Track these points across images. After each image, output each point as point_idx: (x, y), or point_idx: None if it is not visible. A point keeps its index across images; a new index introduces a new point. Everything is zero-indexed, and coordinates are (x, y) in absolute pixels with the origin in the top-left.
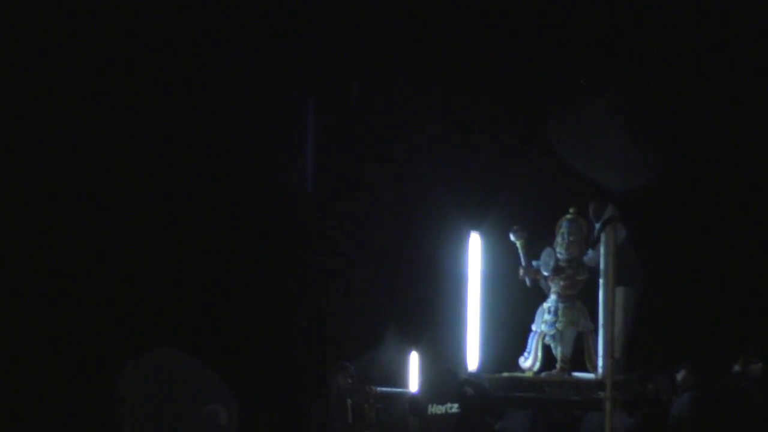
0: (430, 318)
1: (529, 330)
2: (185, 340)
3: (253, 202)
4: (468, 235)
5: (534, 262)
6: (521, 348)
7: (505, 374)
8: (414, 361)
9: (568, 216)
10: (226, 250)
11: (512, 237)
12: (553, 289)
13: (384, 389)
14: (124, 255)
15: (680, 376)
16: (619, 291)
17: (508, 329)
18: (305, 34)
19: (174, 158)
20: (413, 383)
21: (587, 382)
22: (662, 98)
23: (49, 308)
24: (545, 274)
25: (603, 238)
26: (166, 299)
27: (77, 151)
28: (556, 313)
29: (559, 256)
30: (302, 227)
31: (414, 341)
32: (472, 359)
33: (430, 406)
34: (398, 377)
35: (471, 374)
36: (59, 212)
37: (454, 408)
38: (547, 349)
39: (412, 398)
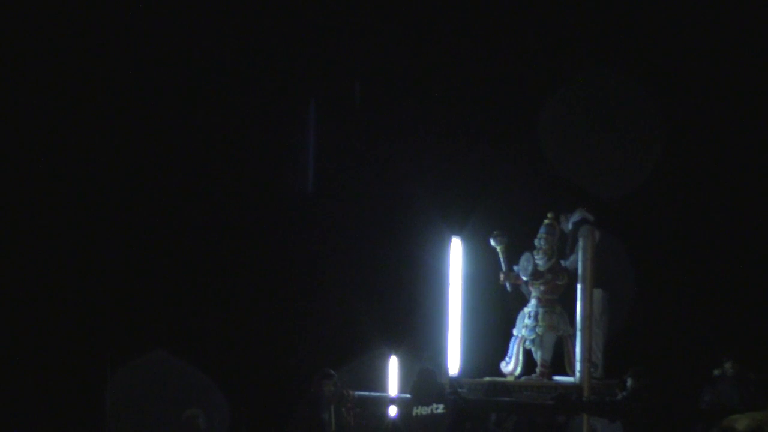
0: (411, 322)
1: (511, 335)
2: (167, 344)
3: (247, 203)
4: (449, 241)
5: (514, 267)
6: (503, 353)
7: (487, 379)
8: (394, 365)
9: (546, 221)
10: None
11: (493, 242)
12: (534, 293)
13: (363, 393)
14: (114, 256)
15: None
16: (598, 295)
17: (490, 334)
18: (306, 37)
19: (173, 158)
20: (393, 388)
21: (567, 386)
22: (645, 103)
23: (40, 308)
24: (524, 279)
25: (579, 241)
26: (150, 302)
27: (77, 151)
28: (536, 318)
29: (537, 261)
30: (287, 232)
31: (395, 346)
32: (454, 364)
33: (414, 408)
34: (378, 381)
35: (450, 379)
36: (59, 212)
37: (440, 409)
38: (528, 354)
39: (396, 401)
